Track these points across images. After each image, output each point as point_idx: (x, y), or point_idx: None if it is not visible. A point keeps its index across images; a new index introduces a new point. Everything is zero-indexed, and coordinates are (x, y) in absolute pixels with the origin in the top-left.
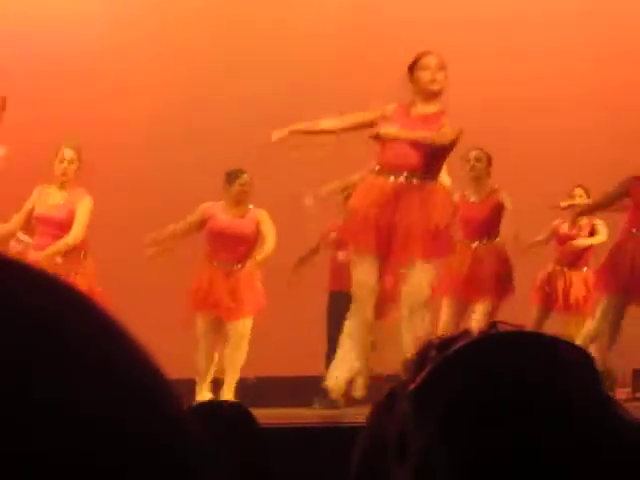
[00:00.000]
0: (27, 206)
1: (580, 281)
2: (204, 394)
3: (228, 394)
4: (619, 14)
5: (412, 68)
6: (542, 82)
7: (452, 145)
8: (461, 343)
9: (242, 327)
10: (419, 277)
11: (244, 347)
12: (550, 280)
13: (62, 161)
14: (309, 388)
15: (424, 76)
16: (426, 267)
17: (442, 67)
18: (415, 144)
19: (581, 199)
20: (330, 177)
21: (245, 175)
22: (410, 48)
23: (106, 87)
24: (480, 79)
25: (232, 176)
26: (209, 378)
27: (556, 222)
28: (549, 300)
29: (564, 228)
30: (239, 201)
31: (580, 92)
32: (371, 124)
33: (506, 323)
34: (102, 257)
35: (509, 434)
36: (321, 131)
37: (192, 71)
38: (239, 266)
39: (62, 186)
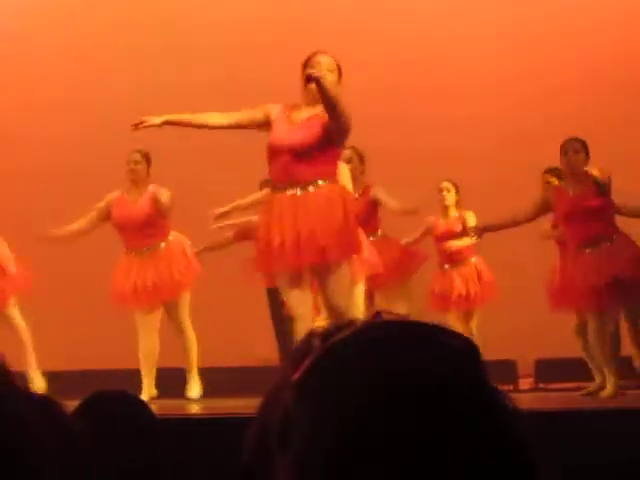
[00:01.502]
0: None
1: (469, 274)
2: (151, 390)
3: (196, 384)
4: (527, 3)
5: (303, 66)
6: (448, 69)
7: (340, 137)
8: (344, 332)
9: (182, 307)
10: (337, 281)
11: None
12: (439, 281)
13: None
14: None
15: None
16: (341, 270)
17: (332, 69)
18: (298, 152)
19: (448, 194)
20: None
21: (135, 154)
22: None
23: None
24: (384, 65)
25: (128, 155)
26: (153, 373)
27: (430, 219)
28: (445, 302)
29: (440, 226)
30: (132, 181)
31: (486, 81)
32: (258, 125)
33: (390, 312)
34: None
35: (385, 421)
36: (202, 125)
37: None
38: (148, 249)
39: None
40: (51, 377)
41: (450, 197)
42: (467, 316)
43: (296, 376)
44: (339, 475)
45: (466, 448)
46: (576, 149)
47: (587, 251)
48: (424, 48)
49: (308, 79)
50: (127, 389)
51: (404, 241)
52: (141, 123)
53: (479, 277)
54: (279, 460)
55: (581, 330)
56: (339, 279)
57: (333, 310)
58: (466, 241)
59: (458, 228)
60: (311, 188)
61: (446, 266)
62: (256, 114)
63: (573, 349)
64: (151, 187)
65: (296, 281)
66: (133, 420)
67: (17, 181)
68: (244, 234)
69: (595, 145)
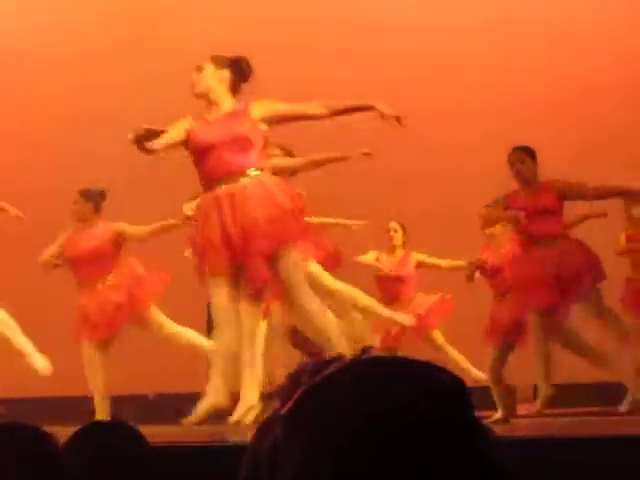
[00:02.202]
0: None
1: (415, 307)
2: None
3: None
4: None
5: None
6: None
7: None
8: (332, 368)
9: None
10: (288, 263)
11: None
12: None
13: None
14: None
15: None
16: (289, 254)
17: (200, 69)
18: (229, 147)
19: (395, 234)
20: None
21: (75, 194)
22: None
23: None
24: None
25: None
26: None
27: (375, 253)
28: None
29: (384, 264)
30: (78, 220)
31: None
32: (184, 142)
33: (378, 348)
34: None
35: (372, 459)
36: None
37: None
38: (102, 283)
39: None
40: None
41: (398, 237)
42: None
43: (285, 410)
44: None
45: None
46: (521, 159)
47: (537, 252)
48: (432, 67)
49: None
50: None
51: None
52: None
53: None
54: None
55: (498, 358)
56: (288, 263)
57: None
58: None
59: (405, 271)
60: (244, 179)
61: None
62: (176, 132)
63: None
64: (100, 224)
65: (231, 284)
66: (128, 450)
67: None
68: None
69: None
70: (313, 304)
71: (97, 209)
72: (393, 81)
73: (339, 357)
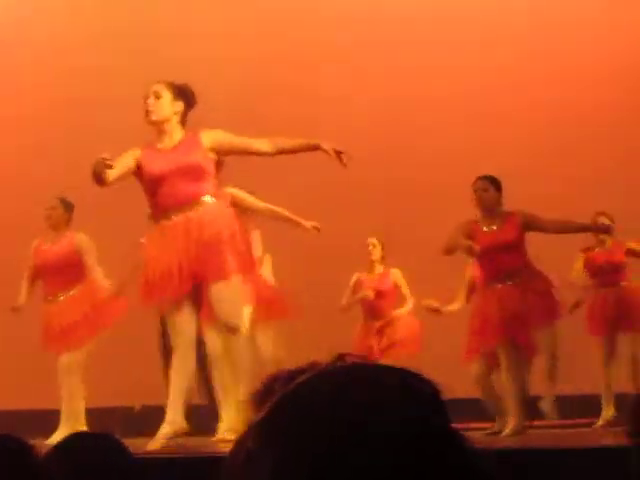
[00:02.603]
0: None
1: (388, 329)
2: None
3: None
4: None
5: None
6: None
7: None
8: (305, 376)
9: (69, 358)
10: (229, 295)
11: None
12: (365, 336)
13: None
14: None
15: (144, 107)
16: (231, 282)
17: (158, 95)
18: (182, 176)
19: (374, 249)
20: None
21: (54, 200)
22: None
23: None
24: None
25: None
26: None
27: (356, 276)
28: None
29: (366, 282)
30: (50, 226)
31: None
32: (134, 171)
33: (354, 355)
34: None
35: (347, 467)
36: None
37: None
38: (63, 296)
39: None
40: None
41: (376, 252)
42: None
43: (257, 419)
44: None
45: None
46: (484, 187)
47: (498, 286)
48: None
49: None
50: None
51: (344, 302)
52: None
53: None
54: None
55: (482, 374)
56: (228, 290)
57: (225, 325)
58: (402, 310)
59: (384, 286)
60: (199, 207)
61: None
62: (129, 163)
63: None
64: (68, 233)
65: (181, 308)
66: (111, 460)
67: None
68: None
69: None
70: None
71: (70, 220)
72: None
73: (313, 364)
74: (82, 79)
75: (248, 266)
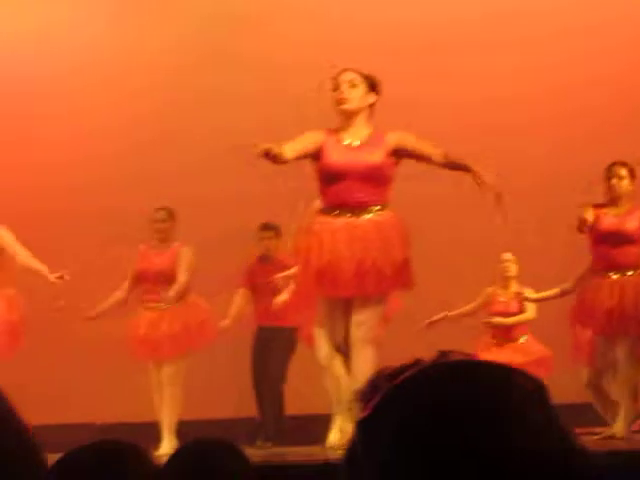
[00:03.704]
0: None
1: (517, 352)
2: (170, 441)
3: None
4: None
5: (333, 88)
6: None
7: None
8: (410, 372)
9: (173, 368)
10: (370, 315)
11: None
12: (484, 353)
13: None
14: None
15: (335, 96)
16: (378, 303)
17: (355, 84)
18: (361, 177)
19: (510, 265)
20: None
21: (161, 212)
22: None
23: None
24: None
25: (152, 214)
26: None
27: (489, 290)
28: None
29: (499, 300)
30: (158, 239)
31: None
32: (313, 155)
33: (458, 352)
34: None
35: (451, 463)
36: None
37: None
38: (165, 305)
39: None
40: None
41: (513, 269)
42: None
43: (363, 416)
44: None
45: None
46: (621, 175)
47: (614, 276)
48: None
49: None
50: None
51: (456, 312)
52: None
53: (526, 354)
54: None
55: (593, 379)
56: (373, 312)
57: (355, 344)
58: (521, 317)
59: (515, 308)
60: (367, 214)
61: (493, 341)
62: (308, 146)
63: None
64: (175, 244)
65: (335, 312)
66: (228, 468)
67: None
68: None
69: None
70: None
71: (175, 230)
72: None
73: (417, 361)
74: (150, 99)
75: (410, 283)
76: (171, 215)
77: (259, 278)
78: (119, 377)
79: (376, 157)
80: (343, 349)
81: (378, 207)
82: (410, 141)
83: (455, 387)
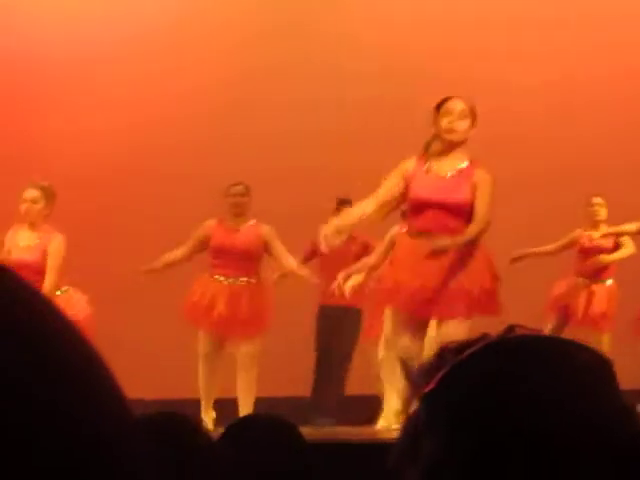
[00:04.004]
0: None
1: (603, 295)
2: (209, 414)
3: None
4: None
5: (437, 110)
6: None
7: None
8: (477, 346)
9: (252, 348)
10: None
11: (255, 368)
12: (570, 293)
13: (25, 201)
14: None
15: (442, 123)
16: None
17: (465, 115)
18: (448, 208)
19: (600, 209)
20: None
21: (238, 187)
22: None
23: (111, 95)
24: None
25: (227, 188)
26: (212, 398)
27: (576, 232)
28: (566, 314)
29: (586, 240)
30: (235, 213)
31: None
32: (399, 192)
33: (524, 327)
34: (98, 275)
35: (520, 439)
36: (362, 218)
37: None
38: (241, 281)
39: (32, 226)
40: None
41: (603, 213)
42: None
43: (427, 389)
44: None
45: (605, 475)
46: None
47: None
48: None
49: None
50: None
51: (539, 249)
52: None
53: (609, 300)
54: (409, 471)
55: None
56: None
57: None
58: (621, 253)
59: (609, 243)
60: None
61: (581, 280)
62: (392, 185)
63: None
64: (252, 222)
65: (418, 329)
66: (282, 443)
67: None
68: (312, 255)
69: None
70: None
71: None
72: None
73: (484, 336)
74: (225, 66)
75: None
76: (248, 190)
77: (331, 255)
78: (170, 352)
79: (464, 192)
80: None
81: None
82: (488, 185)
83: (520, 363)
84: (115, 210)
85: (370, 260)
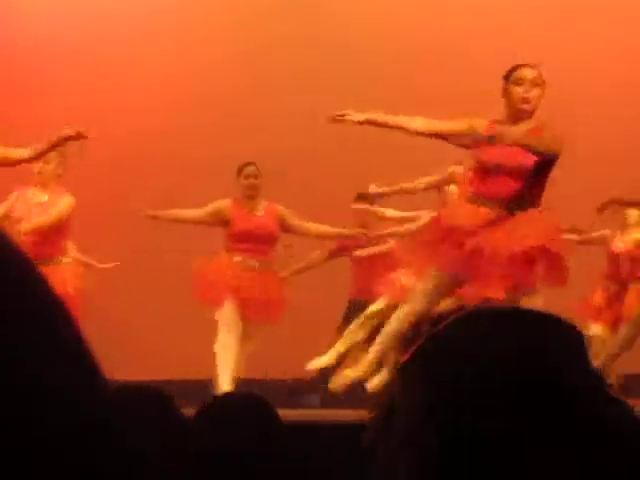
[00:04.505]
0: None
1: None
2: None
3: None
4: None
5: (506, 79)
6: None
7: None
8: (452, 318)
9: (259, 331)
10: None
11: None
12: (610, 301)
13: (37, 161)
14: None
15: (516, 92)
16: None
17: (537, 83)
18: (521, 174)
19: (630, 211)
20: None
21: (250, 167)
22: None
23: (118, 76)
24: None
25: (240, 169)
26: (233, 372)
27: (605, 233)
28: (614, 320)
29: (618, 245)
30: (249, 195)
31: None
32: (460, 138)
33: (502, 300)
34: (110, 256)
35: (494, 404)
36: (401, 128)
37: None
38: (263, 264)
39: (43, 186)
40: None
41: (632, 217)
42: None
43: (403, 362)
44: (452, 454)
45: (578, 441)
46: None
47: None
48: None
49: None
50: None
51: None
52: (342, 116)
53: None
54: (384, 445)
55: None
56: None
57: None
58: None
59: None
60: (520, 211)
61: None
62: (461, 126)
63: None
64: (266, 203)
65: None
66: (260, 422)
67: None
68: (340, 251)
69: None
70: None
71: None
72: None
73: (461, 308)
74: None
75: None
76: (260, 171)
77: (353, 250)
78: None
79: (529, 158)
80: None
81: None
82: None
83: (495, 334)
84: (121, 196)
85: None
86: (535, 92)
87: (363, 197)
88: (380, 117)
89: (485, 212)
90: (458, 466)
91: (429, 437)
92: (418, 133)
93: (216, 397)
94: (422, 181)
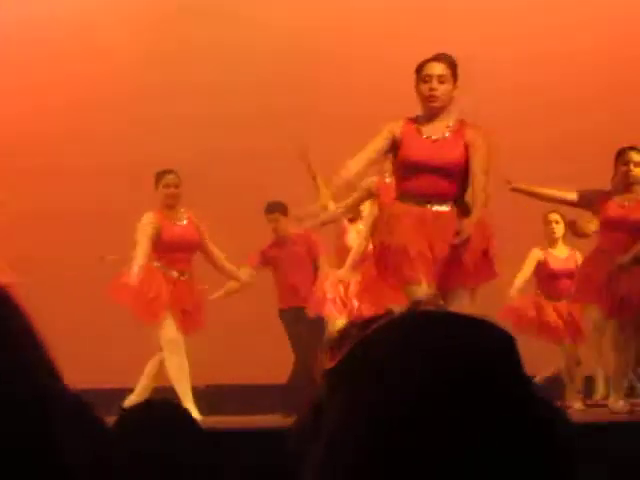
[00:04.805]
0: None
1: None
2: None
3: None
4: None
5: (416, 74)
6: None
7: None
8: (382, 322)
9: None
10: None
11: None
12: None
13: None
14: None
15: (423, 89)
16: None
17: (444, 80)
18: (443, 171)
19: (557, 225)
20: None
21: (170, 176)
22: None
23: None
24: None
25: (158, 177)
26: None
27: (538, 252)
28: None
29: (551, 261)
30: (169, 205)
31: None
32: (386, 153)
33: (428, 304)
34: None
35: (419, 410)
36: (348, 178)
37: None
38: (181, 275)
39: None
40: None
41: (559, 229)
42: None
43: (330, 368)
44: (371, 461)
45: (505, 443)
46: (637, 162)
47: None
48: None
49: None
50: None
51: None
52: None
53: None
54: (312, 447)
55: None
56: (460, 307)
57: None
58: None
59: (573, 265)
60: (447, 207)
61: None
62: (382, 136)
63: None
64: (186, 212)
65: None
66: (176, 428)
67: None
68: (267, 261)
69: None
70: None
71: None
72: None
73: (388, 312)
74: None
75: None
76: (179, 178)
77: (274, 260)
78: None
79: (455, 154)
80: None
81: (456, 201)
82: (479, 148)
83: (421, 337)
84: (44, 205)
85: (337, 210)
86: (443, 88)
87: (272, 209)
88: (344, 175)
89: (417, 210)
90: (387, 460)
91: (359, 431)
92: (358, 175)
93: (133, 405)
94: (340, 205)
